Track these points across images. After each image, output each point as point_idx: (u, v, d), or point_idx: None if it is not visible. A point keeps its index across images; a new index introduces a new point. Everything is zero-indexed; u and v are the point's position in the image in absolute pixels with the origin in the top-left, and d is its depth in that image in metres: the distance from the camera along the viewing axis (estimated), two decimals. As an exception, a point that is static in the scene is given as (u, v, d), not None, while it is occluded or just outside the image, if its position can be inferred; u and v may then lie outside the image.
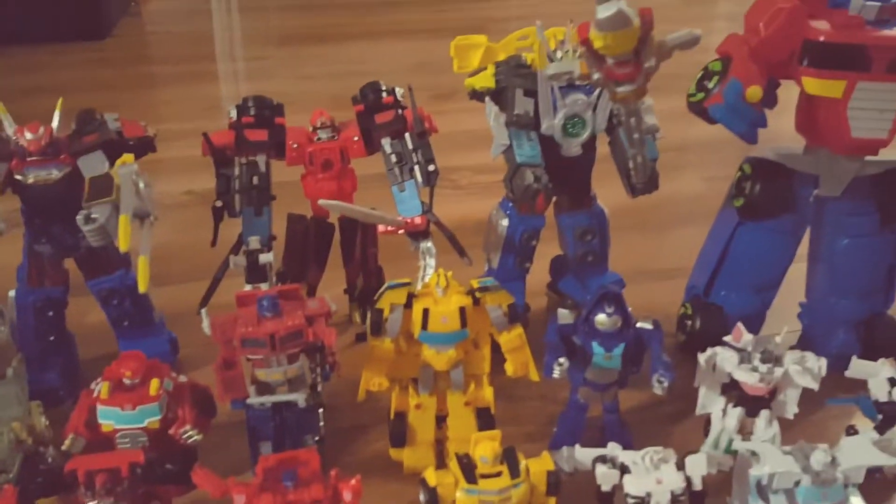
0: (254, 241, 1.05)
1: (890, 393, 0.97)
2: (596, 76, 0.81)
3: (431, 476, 0.87)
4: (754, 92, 0.98)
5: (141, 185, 0.98)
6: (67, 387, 1.11)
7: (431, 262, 1.11)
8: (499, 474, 0.85)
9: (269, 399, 0.93)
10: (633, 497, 0.86)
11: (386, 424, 1.03)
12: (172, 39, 2.92)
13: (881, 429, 0.98)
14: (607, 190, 1.17)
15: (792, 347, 1.24)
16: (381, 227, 1.12)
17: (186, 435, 0.90)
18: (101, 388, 0.90)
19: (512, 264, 1.19)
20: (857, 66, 0.99)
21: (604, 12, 0.74)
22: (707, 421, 1.02)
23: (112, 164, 1.02)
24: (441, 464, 0.97)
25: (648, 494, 0.86)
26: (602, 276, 1.23)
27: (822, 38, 0.99)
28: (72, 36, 2.72)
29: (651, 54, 0.79)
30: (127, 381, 0.90)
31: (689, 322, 1.20)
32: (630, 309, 1.27)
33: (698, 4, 3.26)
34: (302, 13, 3.30)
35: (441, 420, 1.01)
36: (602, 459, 0.88)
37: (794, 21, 1.00)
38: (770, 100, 1.04)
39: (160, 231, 1.53)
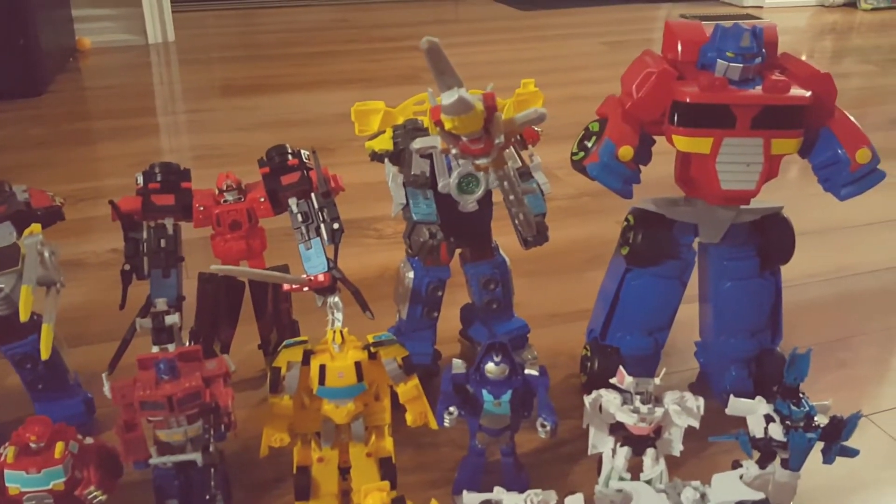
0: (160, 303, 1.07)
1: (766, 429, 1.01)
2: (454, 151, 0.87)
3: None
4: (625, 151, 1.05)
5: (46, 253, 1.01)
6: (-18, 451, 1.13)
7: (339, 315, 1.15)
8: (387, 523, 0.88)
9: (169, 459, 0.95)
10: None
11: (295, 478, 1.05)
12: (111, 94, 2.92)
13: (762, 463, 1.03)
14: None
15: (691, 385, 1.31)
16: (286, 286, 1.16)
17: (91, 496, 0.93)
18: (7, 452, 0.93)
19: (420, 314, 1.23)
20: (723, 124, 1.05)
21: (447, 99, 0.81)
22: (600, 460, 1.06)
23: (20, 233, 1.05)
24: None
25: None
26: (509, 321, 1.29)
27: (688, 100, 1.05)
28: (6, 93, 2.69)
29: (499, 131, 0.85)
30: (32, 445, 0.93)
31: (589, 363, 1.25)
32: (536, 353, 1.32)
33: (623, 51, 3.39)
34: (242, 64, 3.33)
35: (345, 472, 1.04)
36: (487, 504, 0.92)
37: (663, 84, 1.06)
38: (644, 156, 1.10)
39: (81, 290, 1.56)
